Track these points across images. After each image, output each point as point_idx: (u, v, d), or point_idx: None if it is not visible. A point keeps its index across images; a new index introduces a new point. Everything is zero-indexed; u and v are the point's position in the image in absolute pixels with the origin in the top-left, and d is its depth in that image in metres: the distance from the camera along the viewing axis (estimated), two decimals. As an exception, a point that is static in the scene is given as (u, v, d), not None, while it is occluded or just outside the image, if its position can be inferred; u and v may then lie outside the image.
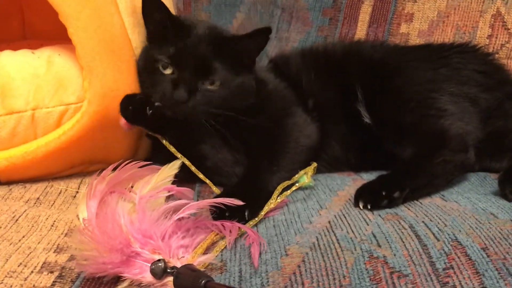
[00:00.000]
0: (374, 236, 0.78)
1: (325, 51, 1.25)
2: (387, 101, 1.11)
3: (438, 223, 0.81)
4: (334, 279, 0.68)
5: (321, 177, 1.09)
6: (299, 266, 0.71)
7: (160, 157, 0.97)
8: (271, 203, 0.90)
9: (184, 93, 0.98)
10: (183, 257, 0.71)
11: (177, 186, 0.83)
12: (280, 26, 1.62)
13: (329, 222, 0.85)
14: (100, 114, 1.01)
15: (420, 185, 0.96)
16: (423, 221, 0.82)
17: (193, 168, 0.98)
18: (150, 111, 0.96)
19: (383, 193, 0.90)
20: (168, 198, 0.82)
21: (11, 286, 0.67)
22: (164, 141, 1.00)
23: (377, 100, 1.11)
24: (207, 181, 1.00)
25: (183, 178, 0.87)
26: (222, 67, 1.02)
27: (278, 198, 0.91)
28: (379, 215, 0.86)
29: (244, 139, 1.04)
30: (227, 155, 1.06)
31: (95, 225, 0.71)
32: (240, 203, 0.82)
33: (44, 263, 0.73)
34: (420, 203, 0.92)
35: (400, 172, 0.99)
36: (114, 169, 0.81)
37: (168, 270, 0.67)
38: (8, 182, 1.02)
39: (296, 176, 0.98)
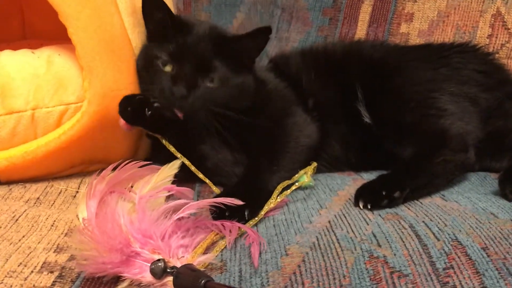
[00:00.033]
0: (374, 236, 0.78)
1: (325, 51, 1.25)
2: (387, 101, 1.11)
3: (438, 223, 0.81)
4: (334, 279, 0.68)
5: (321, 176, 1.09)
6: (299, 266, 0.71)
7: (160, 157, 0.97)
8: (271, 203, 0.90)
9: (183, 89, 0.98)
10: (183, 257, 0.71)
11: (177, 186, 0.83)
12: (280, 26, 1.62)
13: (329, 221, 0.85)
14: (100, 114, 1.01)
15: (420, 184, 0.96)
16: (423, 221, 0.82)
17: (193, 168, 0.98)
18: (149, 112, 0.96)
19: (383, 193, 0.90)
20: (168, 198, 0.82)
21: (11, 286, 0.67)
22: (164, 141, 1.00)
23: (377, 99, 1.11)
24: (207, 181, 1.00)
25: (183, 178, 0.87)
26: (222, 65, 1.02)
27: (278, 197, 0.91)
28: (379, 215, 0.86)
29: (244, 138, 1.04)
30: (227, 155, 1.06)
31: (94, 225, 0.71)
32: (240, 202, 0.81)
33: (44, 263, 0.73)
34: (420, 203, 0.92)
35: (401, 172, 0.99)
36: (114, 169, 0.81)
37: (168, 270, 0.67)
38: (8, 182, 1.02)
39: (296, 175, 0.98)
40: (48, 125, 1.03)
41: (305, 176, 0.98)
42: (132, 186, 0.82)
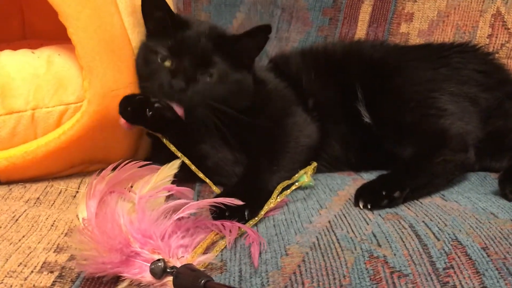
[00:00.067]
0: (374, 236, 0.78)
1: (325, 51, 1.25)
2: (387, 101, 1.11)
3: (438, 222, 0.81)
4: (334, 278, 0.68)
5: (321, 176, 1.09)
6: (299, 266, 0.71)
7: (160, 157, 0.97)
8: (271, 203, 0.90)
9: (182, 82, 0.98)
10: (183, 256, 0.71)
11: (177, 185, 0.83)
12: (280, 26, 1.62)
13: (329, 221, 0.85)
14: (100, 114, 1.01)
15: (420, 184, 0.96)
16: (423, 221, 0.82)
17: (193, 167, 0.98)
18: (150, 113, 0.96)
19: (383, 193, 0.90)
20: (168, 198, 0.82)
21: (11, 286, 0.67)
22: (164, 140, 1.00)
23: (377, 99, 1.11)
24: (207, 180, 1.00)
25: (183, 177, 0.87)
26: (222, 61, 1.02)
27: (278, 197, 0.91)
28: (379, 215, 0.86)
29: (244, 138, 1.04)
30: (227, 155, 1.06)
31: (94, 225, 0.71)
32: (240, 203, 0.81)
33: (44, 263, 0.73)
34: (420, 202, 0.92)
35: (400, 172, 0.99)
36: (114, 169, 0.81)
37: (168, 270, 0.67)
38: (8, 182, 1.02)
39: (296, 175, 0.98)
40: (48, 125, 1.03)
41: (305, 176, 0.98)
42: (132, 186, 0.82)
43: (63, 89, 1.03)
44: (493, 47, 1.33)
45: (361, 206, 0.90)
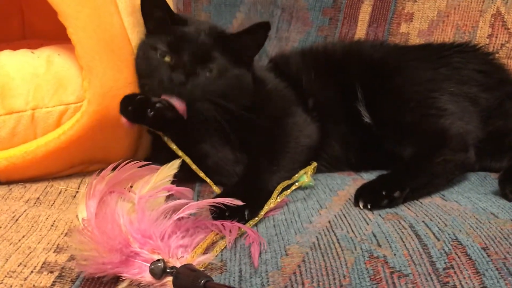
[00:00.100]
0: (374, 236, 0.78)
1: (325, 51, 1.25)
2: (387, 101, 1.11)
3: (438, 222, 0.81)
4: (334, 279, 0.68)
5: (321, 176, 1.09)
6: (299, 266, 0.71)
7: (160, 157, 0.97)
8: (271, 203, 0.90)
9: (182, 75, 0.98)
10: (183, 257, 0.71)
11: (177, 185, 0.83)
12: (280, 26, 1.62)
13: (329, 221, 0.85)
14: (100, 114, 1.01)
15: (420, 184, 0.96)
16: (423, 221, 0.82)
17: (194, 167, 0.98)
18: (152, 113, 0.96)
19: (383, 193, 0.90)
20: (168, 198, 0.82)
21: (11, 286, 0.67)
22: (165, 138, 1.00)
23: (377, 99, 1.11)
24: (208, 180, 1.00)
25: (183, 177, 0.87)
26: (221, 57, 1.02)
27: (278, 197, 0.91)
28: (379, 215, 0.86)
29: (244, 138, 1.04)
30: (228, 154, 1.06)
31: (94, 225, 0.71)
32: (240, 203, 0.81)
33: (44, 263, 0.73)
34: (420, 202, 0.92)
35: (400, 172, 0.99)
36: (114, 169, 0.81)
37: (168, 270, 0.66)
38: (8, 182, 1.02)
39: (296, 175, 0.98)
40: (48, 125, 1.03)
41: (305, 176, 0.98)
42: (131, 186, 0.82)
43: (63, 89, 1.03)
44: (493, 47, 1.32)
45: (361, 206, 0.90)
